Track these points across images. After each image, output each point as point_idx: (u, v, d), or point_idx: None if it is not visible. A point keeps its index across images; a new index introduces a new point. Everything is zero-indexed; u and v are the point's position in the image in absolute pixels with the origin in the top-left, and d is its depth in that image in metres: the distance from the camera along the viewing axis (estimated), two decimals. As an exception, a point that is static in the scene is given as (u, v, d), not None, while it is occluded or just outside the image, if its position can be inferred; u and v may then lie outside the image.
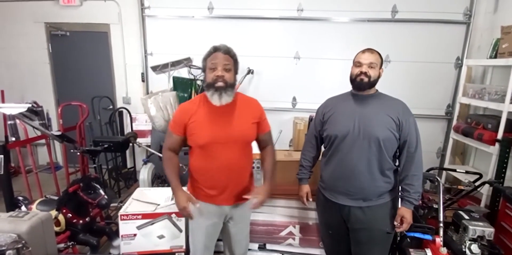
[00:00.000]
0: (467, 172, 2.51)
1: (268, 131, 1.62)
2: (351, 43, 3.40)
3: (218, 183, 1.49)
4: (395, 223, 1.54)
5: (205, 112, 1.46)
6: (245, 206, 1.59)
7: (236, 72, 1.49)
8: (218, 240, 1.72)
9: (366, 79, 1.50)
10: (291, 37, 3.53)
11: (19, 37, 3.88)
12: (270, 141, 1.64)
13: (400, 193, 1.55)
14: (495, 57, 2.74)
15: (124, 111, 3.62)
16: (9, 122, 3.47)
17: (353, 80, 1.55)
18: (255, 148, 1.64)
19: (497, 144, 2.50)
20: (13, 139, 3.49)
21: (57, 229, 1.91)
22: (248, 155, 1.57)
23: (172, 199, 2.15)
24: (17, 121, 3.19)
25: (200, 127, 1.44)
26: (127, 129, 3.67)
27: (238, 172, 1.51)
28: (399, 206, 1.55)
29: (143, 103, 2.97)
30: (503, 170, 2.47)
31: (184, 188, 1.58)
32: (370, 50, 1.54)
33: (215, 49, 1.44)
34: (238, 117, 1.48)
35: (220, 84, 1.39)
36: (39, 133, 2.74)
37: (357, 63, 1.53)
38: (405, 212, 1.51)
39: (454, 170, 2.67)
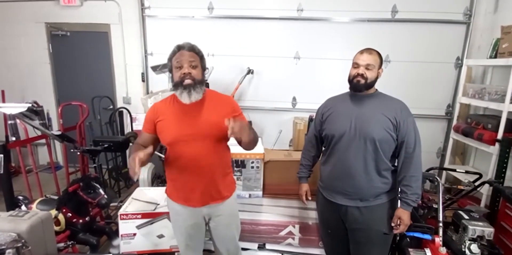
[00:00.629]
0: (467, 172, 2.50)
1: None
2: (351, 43, 3.40)
3: (187, 182, 1.47)
4: (392, 224, 1.53)
5: (173, 111, 1.45)
6: (224, 205, 1.54)
7: (203, 69, 1.45)
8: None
9: (362, 81, 1.50)
10: (291, 37, 3.53)
11: (20, 37, 3.89)
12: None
13: (398, 194, 1.54)
14: (495, 57, 2.73)
15: (124, 111, 3.62)
16: (9, 122, 3.48)
17: (350, 81, 1.55)
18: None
19: (497, 144, 2.50)
20: (14, 138, 3.49)
21: (57, 228, 1.92)
22: (220, 153, 1.50)
23: None
24: (18, 121, 3.19)
25: (167, 125, 1.44)
26: (127, 129, 3.68)
27: (207, 170, 1.45)
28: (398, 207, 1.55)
29: (143, 103, 2.97)
30: (503, 170, 2.47)
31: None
32: (368, 50, 1.52)
33: (179, 48, 1.42)
34: (207, 114, 1.43)
35: (188, 81, 1.36)
36: (39, 133, 2.74)
37: (354, 64, 1.53)
38: (403, 214, 1.50)
39: (454, 170, 2.67)
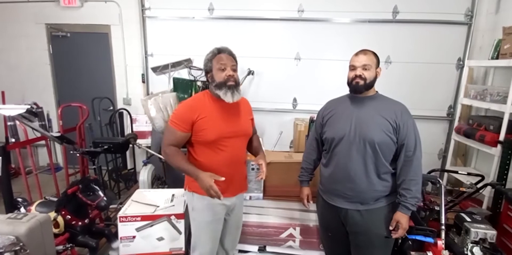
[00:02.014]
0: (469, 174, 2.48)
1: (254, 124, 1.79)
2: (352, 44, 3.39)
3: (227, 175, 1.51)
4: (390, 228, 1.50)
5: (214, 109, 1.53)
6: (242, 196, 1.78)
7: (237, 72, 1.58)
8: None
9: (361, 82, 1.48)
10: (291, 38, 3.53)
11: (20, 38, 3.89)
12: (255, 130, 1.83)
13: (397, 198, 1.52)
14: (497, 58, 2.72)
15: (125, 112, 3.61)
16: (9, 123, 3.47)
17: (349, 84, 1.54)
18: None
19: (499, 146, 2.49)
20: (13, 140, 3.49)
21: (56, 231, 1.90)
22: (246, 149, 1.71)
23: (171, 200, 2.14)
24: (17, 122, 3.18)
25: (211, 123, 1.50)
26: (127, 130, 3.67)
27: (241, 164, 1.66)
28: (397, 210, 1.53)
29: (143, 104, 2.96)
30: (505, 171, 2.46)
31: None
32: (363, 51, 1.52)
33: (220, 51, 1.53)
34: (243, 113, 1.63)
35: (232, 83, 1.49)
36: (39, 134, 2.74)
37: (351, 67, 1.53)
38: (401, 217, 1.47)
39: (456, 172, 2.65)
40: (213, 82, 1.52)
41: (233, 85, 1.49)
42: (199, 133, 1.50)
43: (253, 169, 2.16)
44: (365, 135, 1.46)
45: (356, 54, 1.53)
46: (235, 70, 1.53)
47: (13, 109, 2.21)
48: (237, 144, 1.58)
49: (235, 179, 1.61)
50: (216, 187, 1.40)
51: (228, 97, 1.49)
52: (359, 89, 1.51)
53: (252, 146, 1.75)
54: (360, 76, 1.48)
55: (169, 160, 1.54)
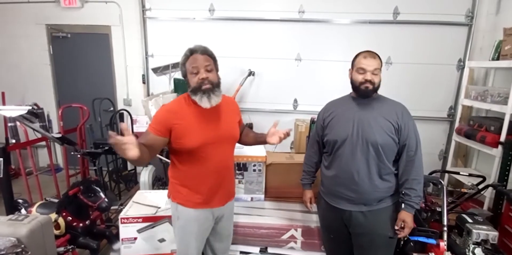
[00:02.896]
0: (470, 175, 2.48)
1: (243, 123, 1.70)
2: (352, 45, 3.40)
3: (213, 184, 1.47)
4: (396, 228, 1.51)
5: (192, 114, 1.41)
6: (232, 203, 1.65)
7: (217, 70, 1.45)
8: None
9: (371, 87, 1.47)
10: (292, 39, 3.53)
11: (20, 39, 3.88)
12: (244, 126, 1.71)
13: (400, 197, 1.52)
14: (498, 59, 2.72)
15: (125, 113, 3.61)
16: (9, 124, 3.46)
17: (357, 87, 1.51)
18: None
19: (500, 147, 2.49)
20: (14, 141, 3.48)
21: (57, 232, 1.90)
22: (233, 154, 1.59)
23: None
24: (18, 123, 3.18)
25: (190, 129, 1.38)
26: (128, 131, 3.65)
27: (228, 170, 1.55)
28: (401, 210, 1.53)
29: (144, 105, 2.96)
30: (506, 172, 2.46)
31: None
32: (371, 54, 1.49)
33: (192, 52, 1.39)
34: (225, 116, 1.49)
35: (207, 86, 1.35)
36: (39, 135, 2.73)
37: (360, 70, 1.48)
38: (406, 217, 1.48)
39: (458, 173, 2.65)
40: (189, 87, 1.40)
41: (209, 88, 1.35)
42: (179, 141, 1.38)
43: (254, 170, 2.16)
44: (368, 137, 1.45)
45: (365, 56, 1.48)
46: (210, 71, 1.38)
47: (14, 110, 2.21)
48: (221, 150, 1.46)
49: (223, 187, 1.51)
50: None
51: (204, 103, 1.36)
52: (369, 93, 1.50)
53: (250, 136, 1.65)
54: (370, 81, 1.46)
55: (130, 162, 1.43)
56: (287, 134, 1.47)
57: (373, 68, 1.46)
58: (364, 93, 1.51)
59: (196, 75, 1.36)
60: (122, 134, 1.12)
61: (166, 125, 1.37)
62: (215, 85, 1.39)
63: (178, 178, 1.50)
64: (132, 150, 1.12)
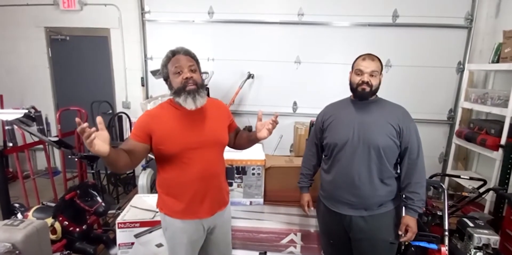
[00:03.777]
0: (471, 179, 2.47)
1: (237, 126, 1.62)
2: (352, 47, 3.39)
3: (196, 193, 1.38)
4: (400, 232, 1.49)
5: (174, 118, 1.35)
6: (225, 212, 1.53)
7: (200, 72, 1.40)
8: None
9: (368, 89, 1.46)
10: (291, 42, 3.52)
11: (19, 42, 3.88)
12: (239, 128, 1.64)
13: (403, 201, 1.50)
14: (497, 61, 2.72)
15: (124, 115, 3.59)
16: (7, 127, 3.45)
17: (354, 89, 1.50)
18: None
19: (500, 150, 2.48)
20: (11, 144, 3.46)
21: (53, 237, 1.88)
22: (223, 159, 1.51)
23: None
24: (15, 126, 3.16)
25: (170, 134, 1.32)
26: (127, 134, 3.64)
27: (215, 177, 1.43)
28: (403, 214, 1.51)
29: (143, 107, 2.94)
30: (507, 175, 2.44)
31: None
32: (370, 56, 1.49)
33: (174, 53, 1.34)
34: (210, 120, 1.41)
35: (191, 86, 1.30)
36: (37, 139, 2.71)
37: (357, 71, 1.48)
38: (410, 221, 1.46)
39: (458, 177, 2.63)
40: (172, 89, 1.34)
41: (193, 89, 1.30)
42: (160, 147, 1.32)
43: (253, 174, 2.14)
44: (369, 140, 1.44)
45: (363, 58, 1.48)
46: (194, 71, 1.33)
47: (11, 114, 2.20)
48: (206, 156, 1.37)
49: (209, 196, 1.41)
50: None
51: (189, 104, 1.29)
52: (365, 96, 1.48)
53: (243, 137, 1.56)
54: (367, 83, 1.45)
55: (108, 167, 1.29)
56: (275, 122, 1.37)
57: (370, 70, 1.45)
58: (360, 95, 1.49)
59: (179, 75, 1.31)
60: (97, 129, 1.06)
61: (145, 130, 1.31)
62: (200, 86, 1.33)
63: (163, 187, 1.43)
64: (99, 145, 1.05)
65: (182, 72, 1.31)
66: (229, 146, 1.57)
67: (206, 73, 3.34)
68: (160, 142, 1.32)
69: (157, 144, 1.32)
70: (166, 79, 1.38)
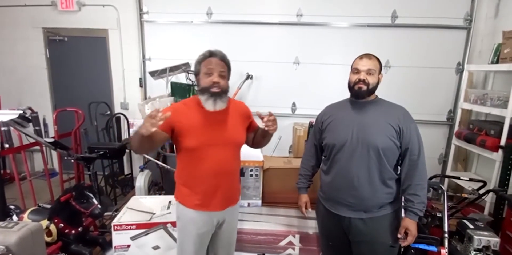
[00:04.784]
0: (471, 180, 2.45)
1: (258, 126, 1.65)
2: (351, 48, 3.38)
3: (209, 187, 1.46)
4: (399, 236, 1.46)
5: (198, 115, 1.43)
6: (235, 208, 1.61)
7: (228, 79, 1.49)
8: None
9: (364, 87, 1.45)
10: (290, 42, 3.51)
11: (17, 42, 3.86)
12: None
13: (403, 204, 1.48)
14: (497, 62, 2.71)
15: (122, 116, 3.58)
16: (2, 129, 3.42)
17: (351, 88, 1.50)
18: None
19: (500, 151, 2.47)
20: (7, 145, 3.44)
21: (48, 239, 1.86)
22: (238, 158, 1.58)
23: (168, 207, 2.09)
24: (11, 127, 3.14)
25: (191, 129, 1.41)
26: (125, 135, 3.63)
27: (228, 175, 1.51)
28: (403, 217, 1.49)
29: (141, 108, 2.93)
30: (507, 177, 2.43)
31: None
32: (368, 55, 1.48)
33: (211, 54, 1.43)
34: (231, 123, 1.49)
35: (215, 90, 1.39)
36: (33, 140, 2.69)
37: (354, 70, 1.48)
38: (410, 224, 1.43)
39: (458, 178, 2.61)
40: (198, 86, 1.46)
41: (217, 92, 1.40)
42: (180, 139, 1.42)
43: (251, 175, 2.12)
44: (368, 141, 1.42)
45: (361, 57, 1.48)
46: (223, 77, 1.42)
47: (5, 115, 2.17)
48: (222, 154, 1.45)
49: (221, 191, 1.49)
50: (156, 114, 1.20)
51: (208, 105, 1.41)
52: (361, 94, 1.47)
53: (258, 133, 1.61)
54: (363, 81, 1.44)
55: (132, 143, 1.39)
56: (268, 121, 1.39)
57: (366, 68, 1.44)
58: (356, 93, 1.48)
59: (209, 76, 1.40)
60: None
61: (168, 122, 1.36)
62: (224, 91, 1.43)
63: (181, 178, 1.52)
64: (154, 127, 1.19)
65: (212, 74, 1.40)
66: (248, 145, 1.66)
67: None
68: (181, 134, 1.41)
69: (177, 136, 1.42)
70: (196, 75, 1.48)
